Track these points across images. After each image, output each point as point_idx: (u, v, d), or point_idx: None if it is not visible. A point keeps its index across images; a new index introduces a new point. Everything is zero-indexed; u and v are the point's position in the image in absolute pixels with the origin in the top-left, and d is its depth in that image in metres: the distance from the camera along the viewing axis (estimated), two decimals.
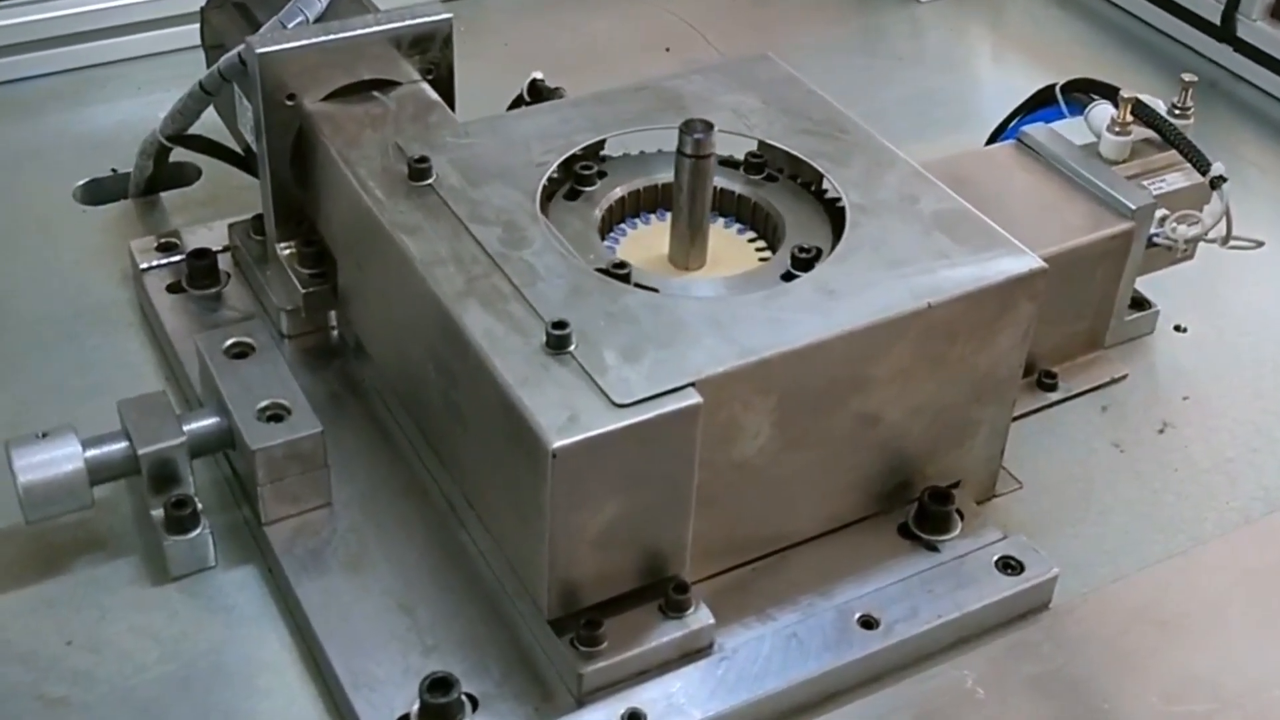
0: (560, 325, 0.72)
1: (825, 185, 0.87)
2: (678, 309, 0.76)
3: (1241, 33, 1.34)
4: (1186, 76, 1.00)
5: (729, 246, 0.87)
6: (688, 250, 0.84)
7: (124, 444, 0.81)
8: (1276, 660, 0.80)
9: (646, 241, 0.86)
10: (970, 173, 0.95)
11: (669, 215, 0.86)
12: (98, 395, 0.91)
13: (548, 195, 0.85)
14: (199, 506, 0.81)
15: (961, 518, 0.83)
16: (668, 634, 0.74)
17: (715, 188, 0.85)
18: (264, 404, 0.82)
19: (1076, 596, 0.82)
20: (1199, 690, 0.78)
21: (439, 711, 0.71)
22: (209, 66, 0.99)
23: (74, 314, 1.01)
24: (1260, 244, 0.97)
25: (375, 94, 0.92)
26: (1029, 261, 0.80)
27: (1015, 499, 0.89)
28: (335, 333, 0.97)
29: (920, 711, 0.76)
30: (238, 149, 1.06)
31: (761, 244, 0.87)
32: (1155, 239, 0.96)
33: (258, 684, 0.77)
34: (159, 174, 1.11)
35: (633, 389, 0.70)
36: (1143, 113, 0.98)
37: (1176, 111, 1.00)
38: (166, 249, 1.03)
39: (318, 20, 0.93)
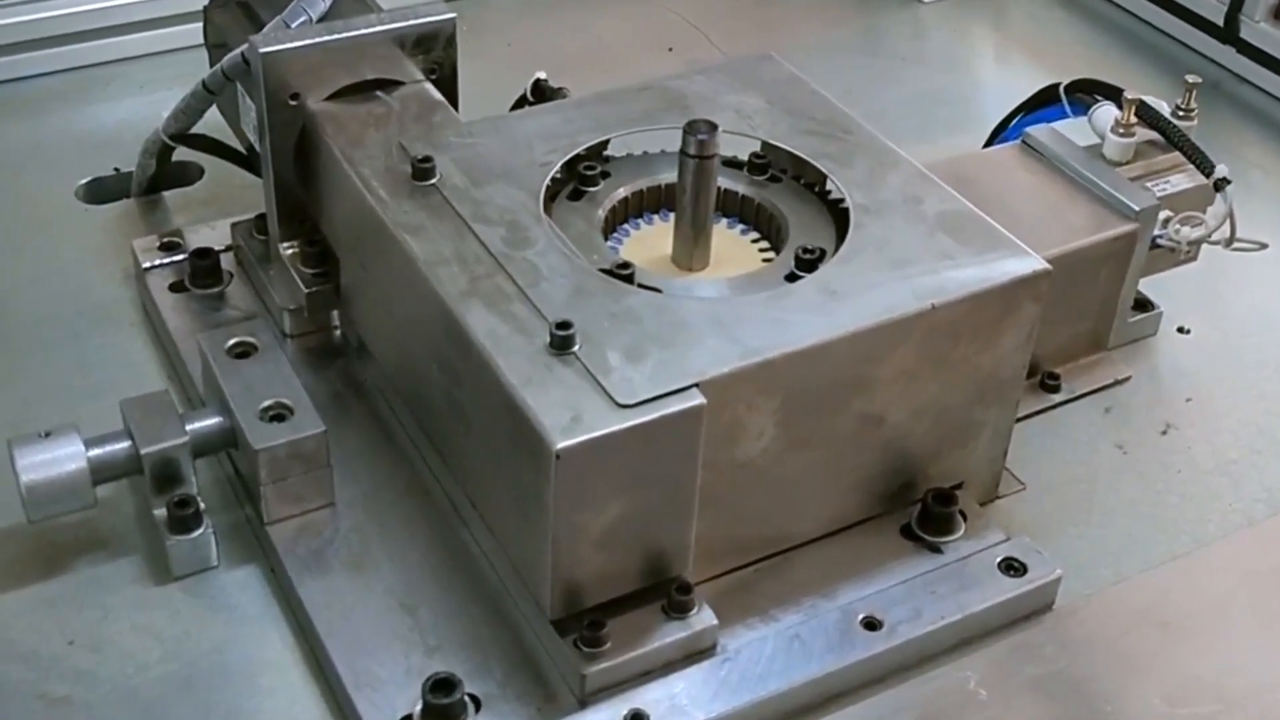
0: (564, 326, 0.72)
1: (829, 186, 0.87)
2: (681, 310, 0.76)
3: (1245, 34, 1.34)
4: (1190, 78, 1.00)
5: (732, 247, 0.86)
6: (691, 251, 0.84)
7: (126, 443, 0.81)
8: (1279, 662, 0.80)
9: (650, 242, 0.86)
10: (974, 173, 0.95)
11: (672, 216, 0.86)
12: (100, 395, 0.91)
13: (551, 195, 0.85)
14: (201, 506, 0.81)
15: (965, 519, 0.83)
16: (671, 635, 0.74)
17: (719, 188, 0.85)
18: (267, 404, 0.82)
19: (1079, 598, 0.82)
20: (1202, 692, 0.78)
21: (441, 712, 0.71)
22: (212, 65, 0.99)
23: (76, 313, 1.01)
24: (1264, 246, 0.97)
25: (378, 94, 0.92)
26: (1033, 263, 0.80)
27: (1018, 500, 0.89)
28: (338, 332, 0.97)
29: (923, 713, 0.76)
30: (240, 148, 1.06)
31: (765, 245, 0.87)
32: (1159, 241, 0.96)
33: (260, 684, 0.77)
34: (162, 173, 1.11)
35: (636, 390, 0.70)
36: (1146, 114, 0.98)
37: (1180, 113, 1.00)
38: (169, 248, 1.03)
39: (321, 20, 0.93)
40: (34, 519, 0.80)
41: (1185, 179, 0.99)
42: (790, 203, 0.87)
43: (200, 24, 1.09)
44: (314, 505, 0.83)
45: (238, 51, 0.93)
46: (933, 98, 1.32)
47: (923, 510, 0.83)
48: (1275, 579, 0.85)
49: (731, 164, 0.90)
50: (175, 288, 1.00)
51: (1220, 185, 0.94)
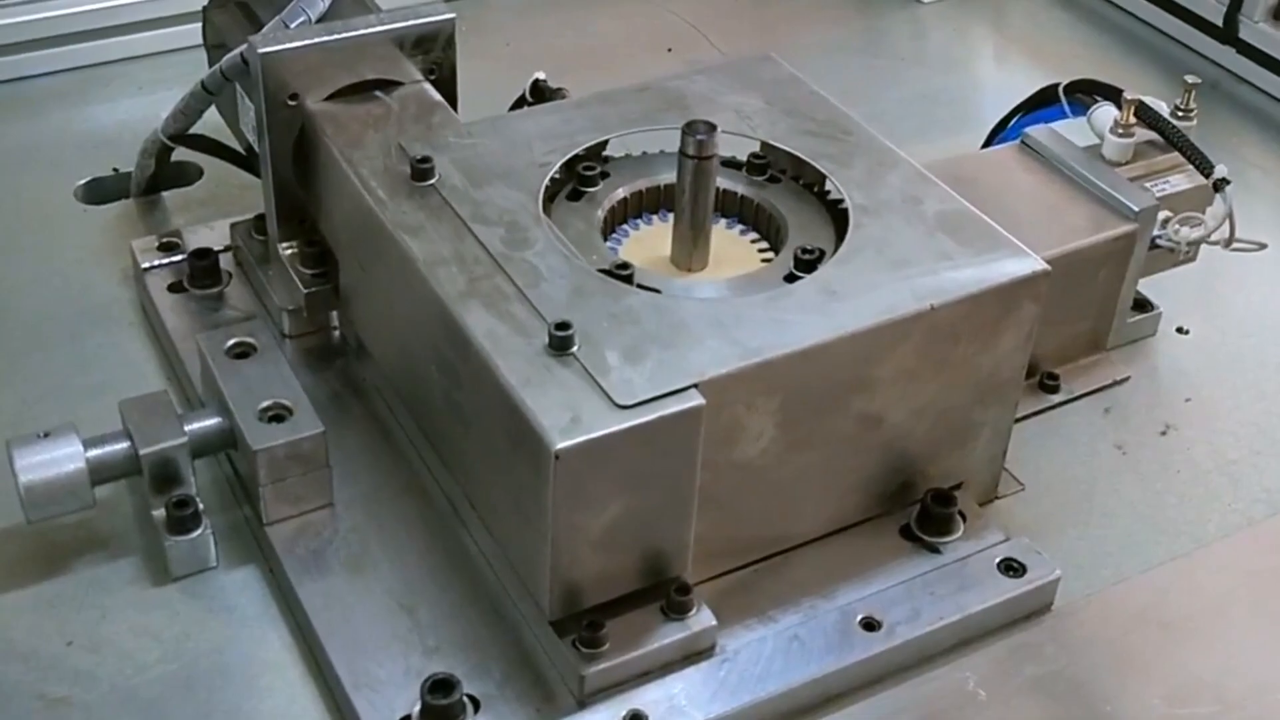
0: (563, 326, 0.72)
1: (828, 186, 0.87)
2: (680, 310, 0.76)
3: (1244, 34, 1.34)
4: (1189, 78, 1.00)
5: (731, 248, 0.86)
6: (690, 251, 0.84)
7: (125, 444, 0.81)
8: (1279, 662, 0.80)
9: (649, 242, 0.86)
10: (973, 174, 0.95)
11: (671, 216, 0.86)
12: (99, 395, 0.91)
13: (550, 196, 0.85)
14: (200, 507, 0.81)
15: (964, 519, 0.83)
16: (670, 635, 0.74)
17: (718, 189, 0.85)
18: (265, 404, 0.82)
19: (1079, 598, 0.82)
20: (1202, 692, 0.78)
21: (440, 712, 0.71)
22: (211, 66, 0.99)
23: (75, 313, 1.01)
24: (1263, 246, 0.97)
25: (378, 94, 0.92)
26: (1032, 263, 0.80)
27: (1017, 501, 0.89)
28: (337, 333, 0.97)
29: (922, 713, 0.76)
30: (240, 148, 1.06)
31: (764, 245, 0.87)
32: (1158, 241, 0.96)
33: (259, 684, 0.77)
34: (161, 173, 1.11)
35: (635, 390, 0.70)
36: (1146, 115, 0.98)
37: (1179, 113, 1.00)
38: (168, 248, 1.03)
39: (320, 20, 0.93)
40: (33, 519, 0.80)
41: (1184, 179, 0.99)
42: (789, 203, 0.87)
43: (199, 24, 1.09)
44: (313, 506, 0.83)
45: (237, 52, 0.93)
46: (932, 98, 1.32)
47: (922, 511, 0.82)
48: (1275, 579, 0.85)
49: (731, 164, 0.89)
50: (174, 288, 1.00)
51: (1219, 185, 0.94)
